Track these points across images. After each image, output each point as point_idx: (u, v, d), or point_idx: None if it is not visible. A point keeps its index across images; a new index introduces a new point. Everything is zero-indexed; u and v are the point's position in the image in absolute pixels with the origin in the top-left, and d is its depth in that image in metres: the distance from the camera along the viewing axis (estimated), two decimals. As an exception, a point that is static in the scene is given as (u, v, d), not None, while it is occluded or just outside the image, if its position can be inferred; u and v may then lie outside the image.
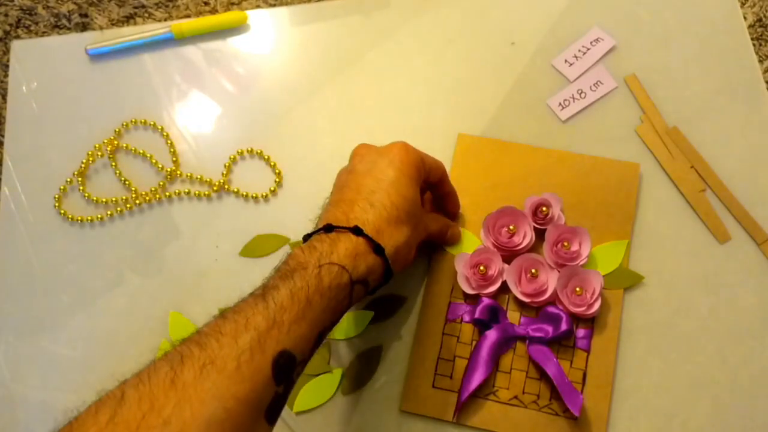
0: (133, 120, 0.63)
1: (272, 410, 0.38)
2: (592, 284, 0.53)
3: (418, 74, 0.63)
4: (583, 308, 0.53)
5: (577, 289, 0.53)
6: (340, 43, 0.65)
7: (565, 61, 0.62)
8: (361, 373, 0.54)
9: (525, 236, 0.55)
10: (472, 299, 0.55)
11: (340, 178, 0.50)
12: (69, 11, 1.29)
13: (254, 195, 0.60)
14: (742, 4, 1.23)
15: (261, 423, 0.37)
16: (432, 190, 0.55)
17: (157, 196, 0.61)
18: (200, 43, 0.65)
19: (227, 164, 0.61)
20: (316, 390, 0.54)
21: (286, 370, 0.38)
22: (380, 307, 0.56)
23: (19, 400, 0.56)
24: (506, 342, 0.53)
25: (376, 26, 0.65)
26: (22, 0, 1.30)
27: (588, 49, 0.62)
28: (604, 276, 0.54)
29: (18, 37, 1.28)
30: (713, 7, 0.62)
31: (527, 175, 0.58)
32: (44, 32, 1.28)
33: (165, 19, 1.28)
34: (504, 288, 0.54)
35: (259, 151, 0.61)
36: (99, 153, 0.62)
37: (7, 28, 1.29)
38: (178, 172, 0.61)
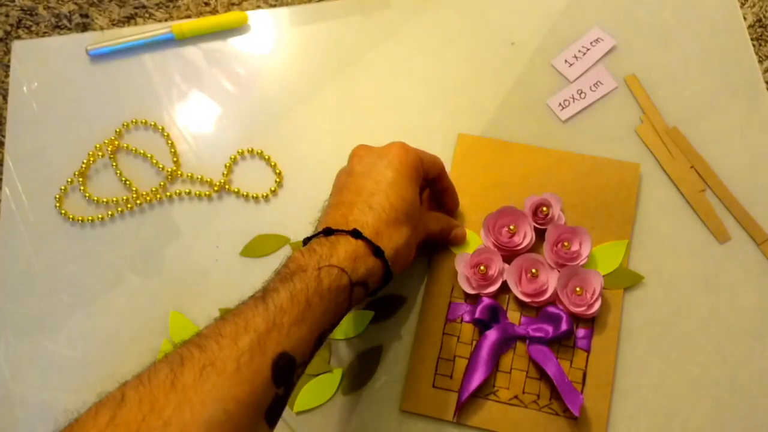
0: (134, 120, 0.63)
1: (272, 412, 0.38)
2: (593, 284, 0.53)
3: (418, 74, 0.63)
4: (583, 308, 0.53)
5: (578, 289, 0.53)
6: (340, 44, 0.65)
7: (565, 61, 0.62)
8: (361, 372, 0.54)
9: (525, 236, 0.55)
10: (473, 299, 0.55)
11: (339, 179, 0.50)
12: (70, 11, 1.29)
13: (255, 195, 0.60)
14: (742, 4, 1.23)
15: (261, 425, 0.37)
16: (431, 186, 0.55)
17: (158, 196, 0.61)
18: (201, 44, 0.65)
19: (228, 164, 0.61)
20: (317, 390, 0.54)
21: (286, 372, 0.38)
22: (380, 307, 0.56)
23: (19, 400, 0.56)
24: (506, 342, 0.53)
25: (377, 26, 0.65)
26: (22, 0, 1.30)
27: (588, 49, 0.62)
28: (604, 276, 0.54)
29: (19, 37, 1.28)
30: (713, 7, 0.62)
31: (527, 175, 0.58)
32: (45, 32, 1.29)
33: (165, 20, 1.28)
34: (504, 288, 0.54)
35: (259, 151, 0.61)
36: (100, 153, 0.62)
37: (8, 28, 1.29)
38: (179, 172, 0.61)
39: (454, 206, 0.57)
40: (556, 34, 0.63)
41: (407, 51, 0.64)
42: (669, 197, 0.57)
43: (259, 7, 1.27)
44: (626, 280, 0.55)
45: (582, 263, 0.54)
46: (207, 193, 0.61)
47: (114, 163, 0.62)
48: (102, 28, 1.27)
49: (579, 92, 0.61)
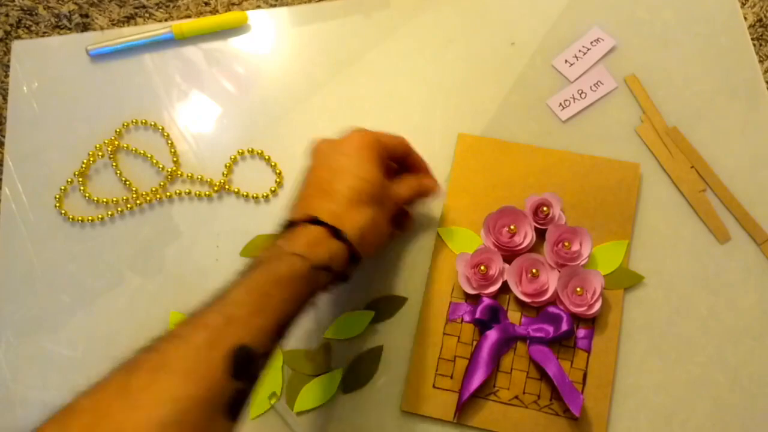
0: (134, 120, 0.63)
1: (234, 406, 0.38)
2: (593, 284, 0.53)
3: (418, 74, 0.63)
4: (584, 308, 0.53)
5: (578, 289, 0.53)
6: (340, 44, 0.65)
7: (565, 61, 0.62)
8: (361, 373, 0.54)
9: (526, 236, 0.55)
10: (473, 299, 0.55)
11: (303, 179, 0.50)
12: (70, 11, 1.29)
13: (255, 195, 0.60)
14: (742, 4, 1.23)
15: (220, 420, 0.37)
16: (401, 166, 0.55)
17: (158, 196, 0.61)
18: (201, 44, 0.65)
19: (228, 164, 0.61)
20: (317, 390, 0.54)
21: (245, 365, 0.38)
22: (381, 307, 0.56)
23: (19, 400, 0.56)
24: (507, 342, 0.53)
25: (376, 26, 0.65)
26: (22, 0, 1.30)
27: (588, 49, 0.62)
28: (604, 276, 0.54)
29: (19, 37, 1.28)
30: (713, 7, 0.62)
31: (527, 174, 0.58)
32: (45, 32, 1.29)
33: (165, 20, 1.28)
34: (505, 288, 0.54)
35: (259, 151, 0.61)
36: (99, 153, 0.62)
37: (8, 28, 1.29)
38: (179, 172, 0.61)
39: (426, 172, 0.56)
40: (556, 34, 0.63)
41: (407, 51, 0.64)
42: (669, 197, 0.57)
43: (259, 7, 1.27)
44: (626, 280, 0.55)
45: (582, 263, 0.54)
46: (207, 193, 0.61)
47: (114, 163, 0.62)
48: (102, 28, 1.27)
49: (579, 92, 0.61)
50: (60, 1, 1.30)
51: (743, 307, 0.54)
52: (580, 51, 0.62)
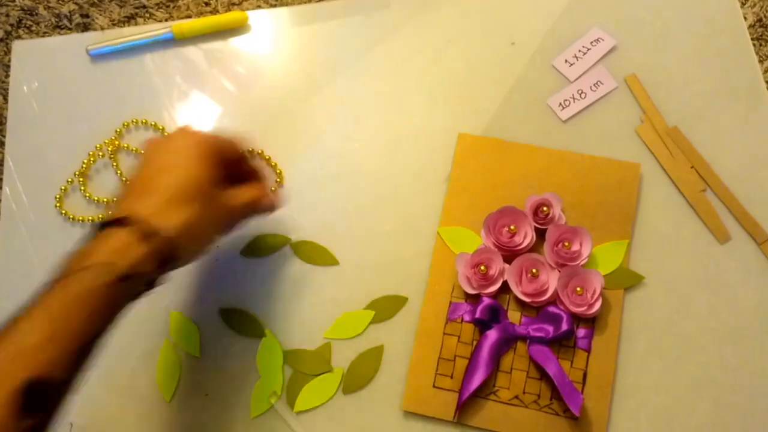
0: (134, 120, 0.63)
1: None
2: (593, 284, 0.53)
3: (418, 74, 0.63)
4: (584, 308, 0.53)
5: (578, 289, 0.53)
6: (340, 44, 0.65)
7: (566, 61, 0.62)
8: (362, 372, 0.54)
9: (526, 236, 0.55)
10: (473, 299, 0.55)
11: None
12: (70, 11, 1.29)
13: (255, 195, 0.60)
14: (742, 4, 1.23)
15: None
16: (236, 171, 0.51)
17: (158, 196, 0.61)
18: (201, 44, 0.65)
19: (228, 164, 0.61)
20: (317, 389, 0.54)
21: (39, 399, 0.35)
22: (381, 307, 0.56)
23: (20, 399, 0.56)
24: (507, 342, 0.53)
25: (377, 26, 0.65)
26: (23, 0, 1.30)
27: (588, 49, 0.62)
28: (604, 276, 0.54)
29: (19, 37, 1.29)
30: (713, 7, 0.62)
31: (527, 174, 0.58)
32: (45, 32, 1.29)
33: (166, 20, 1.28)
34: (505, 288, 0.55)
35: (259, 151, 0.61)
36: (100, 153, 0.62)
37: (9, 28, 1.29)
38: (179, 172, 0.61)
39: (263, 182, 0.54)
40: (556, 34, 0.63)
41: (407, 51, 0.64)
42: (669, 197, 0.58)
43: (259, 7, 1.27)
44: (626, 280, 0.55)
45: (582, 263, 0.54)
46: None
47: (114, 163, 0.62)
48: (102, 28, 1.27)
49: (579, 92, 0.61)
50: (60, 1, 1.30)
51: (743, 307, 0.54)
52: (580, 51, 0.62)
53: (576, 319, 0.54)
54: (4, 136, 1.17)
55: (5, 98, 1.25)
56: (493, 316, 0.54)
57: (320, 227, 0.59)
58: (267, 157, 0.61)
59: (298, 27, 0.66)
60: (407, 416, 0.53)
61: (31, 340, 0.36)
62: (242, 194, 0.50)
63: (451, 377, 0.53)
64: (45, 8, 1.30)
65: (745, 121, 0.59)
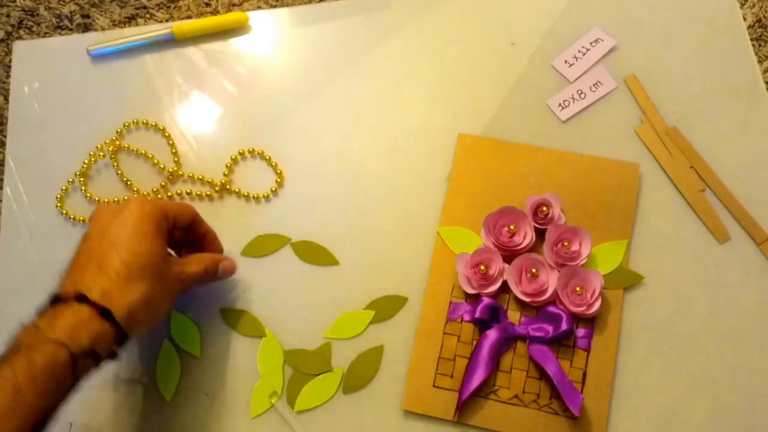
0: (135, 120, 0.63)
1: None
2: (593, 284, 0.53)
3: (418, 74, 0.63)
4: (584, 308, 0.53)
5: (578, 288, 0.53)
6: (340, 44, 0.65)
7: (565, 61, 0.62)
8: (362, 372, 0.55)
9: (525, 236, 0.55)
10: (473, 299, 0.55)
11: (78, 246, 0.48)
12: (71, 12, 1.29)
13: (255, 195, 0.61)
14: (742, 5, 1.23)
15: None
16: (189, 235, 0.53)
17: (159, 196, 0.61)
18: (201, 44, 0.66)
19: (228, 164, 0.61)
20: (318, 389, 0.54)
21: None
22: (381, 306, 0.56)
23: (21, 399, 0.56)
24: (507, 341, 0.53)
25: (377, 27, 0.65)
26: (24, 1, 1.30)
27: (588, 49, 0.62)
28: (604, 276, 0.54)
29: (20, 37, 1.29)
30: (713, 7, 0.62)
31: (527, 175, 0.58)
32: (46, 33, 1.29)
33: (166, 20, 1.28)
34: (504, 287, 0.55)
35: (260, 152, 0.62)
36: (101, 153, 0.62)
37: (9, 29, 1.29)
38: (180, 173, 0.62)
39: (217, 249, 0.55)
40: (556, 34, 0.63)
41: (407, 51, 0.64)
42: (669, 197, 0.58)
43: (259, 7, 1.27)
44: (626, 279, 0.55)
45: (582, 263, 0.54)
46: (208, 193, 0.61)
47: (115, 164, 0.62)
48: (103, 29, 1.27)
49: (579, 92, 0.61)
50: (61, 2, 1.30)
51: (743, 307, 0.54)
52: (579, 51, 0.62)
53: (575, 318, 0.54)
54: (5, 137, 1.17)
55: (6, 98, 1.25)
56: (493, 315, 0.54)
57: (320, 227, 0.59)
58: (267, 157, 0.61)
59: (299, 27, 0.66)
60: (407, 416, 0.53)
61: None
62: (194, 264, 0.51)
63: (451, 377, 0.53)
64: (46, 9, 1.30)
65: (745, 121, 0.59)
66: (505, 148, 0.59)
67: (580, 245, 0.54)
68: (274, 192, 0.60)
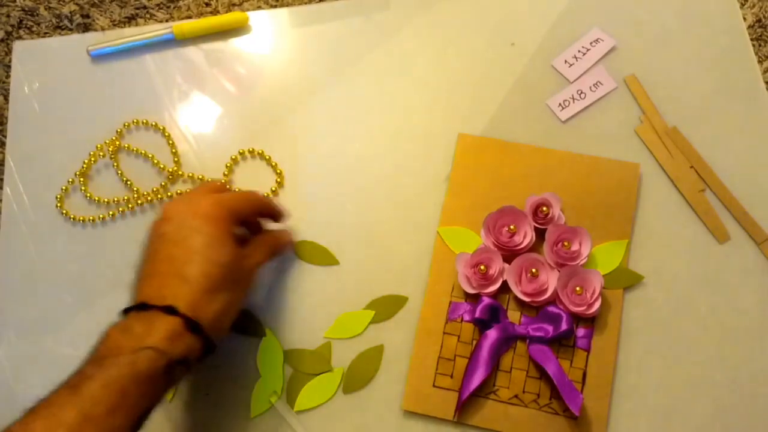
0: (135, 120, 0.63)
1: None
2: (592, 284, 0.53)
3: (418, 74, 0.63)
4: (583, 308, 0.53)
5: (578, 288, 0.53)
6: (340, 44, 0.65)
7: (565, 61, 0.62)
8: (362, 372, 0.55)
9: (525, 236, 0.55)
10: (473, 298, 0.55)
11: (152, 244, 0.48)
12: (71, 12, 1.29)
13: (255, 195, 0.60)
14: (742, 5, 1.23)
15: None
16: (259, 217, 0.54)
17: (159, 196, 0.61)
18: (201, 44, 0.66)
19: (228, 164, 0.61)
20: (317, 389, 0.54)
21: None
22: (381, 306, 0.56)
23: (21, 400, 0.56)
24: (506, 341, 0.53)
25: (377, 27, 0.65)
26: (24, 1, 1.30)
27: (588, 49, 0.62)
28: (604, 276, 0.54)
29: (20, 37, 1.29)
30: (713, 8, 0.63)
31: (527, 174, 0.58)
32: (46, 33, 1.29)
33: (166, 20, 1.28)
34: (504, 287, 0.55)
35: (260, 152, 0.62)
36: (101, 153, 0.62)
37: (9, 29, 1.29)
38: (180, 173, 0.62)
39: (279, 218, 0.56)
40: (556, 35, 0.63)
41: (407, 51, 0.64)
42: (668, 197, 0.58)
43: (259, 7, 1.27)
44: (626, 279, 0.55)
45: (582, 263, 0.54)
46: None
47: (115, 163, 0.62)
48: (103, 29, 1.27)
49: (579, 92, 0.61)
50: (61, 2, 1.30)
51: (743, 307, 0.55)
52: (579, 51, 0.62)
53: (575, 318, 0.54)
54: (5, 137, 1.17)
55: (6, 98, 1.25)
56: (493, 315, 0.54)
57: (320, 227, 0.59)
58: (267, 157, 0.61)
59: (299, 28, 0.66)
60: (407, 416, 0.53)
61: (98, 410, 0.38)
62: (259, 253, 0.52)
63: (451, 377, 0.53)
64: (46, 9, 1.30)
65: (745, 121, 0.59)
66: (505, 148, 0.59)
67: (580, 245, 0.54)
68: (274, 192, 0.60)
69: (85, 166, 0.62)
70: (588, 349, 0.53)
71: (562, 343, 0.54)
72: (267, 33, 0.66)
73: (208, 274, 0.45)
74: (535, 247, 0.56)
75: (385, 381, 0.54)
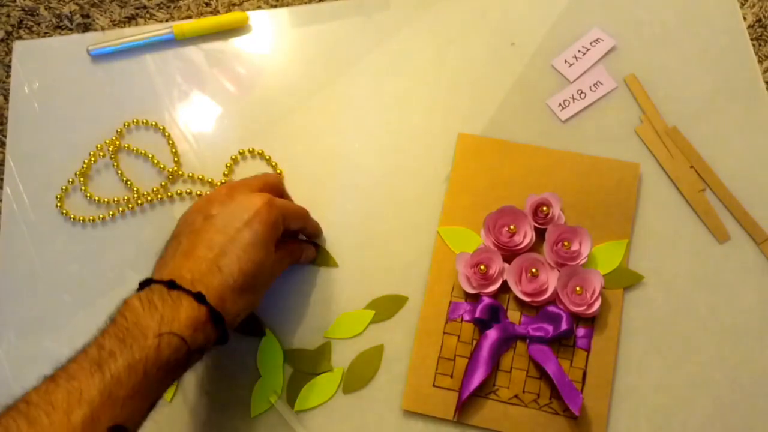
0: (135, 120, 0.63)
1: None
2: (593, 284, 0.53)
3: (418, 74, 0.63)
4: (583, 307, 0.53)
5: (578, 288, 0.53)
6: (340, 44, 0.65)
7: (565, 61, 0.62)
8: (362, 372, 0.55)
9: (525, 236, 0.55)
10: (473, 298, 0.55)
11: (195, 220, 0.48)
12: (71, 12, 1.29)
13: (255, 195, 0.60)
14: (742, 5, 1.23)
15: None
16: (295, 231, 0.55)
17: (159, 196, 0.61)
18: (201, 44, 0.66)
19: (228, 164, 0.61)
20: (317, 389, 0.54)
21: None
22: (381, 306, 0.56)
23: (21, 399, 0.56)
24: (506, 341, 0.53)
25: (377, 27, 0.65)
26: (24, 1, 1.30)
27: (588, 49, 0.62)
28: (604, 275, 0.54)
29: (20, 37, 1.29)
30: (713, 7, 0.63)
31: (527, 174, 0.58)
32: (46, 33, 1.29)
33: (166, 20, 1.28)
34: (504, 287, 0.55)
35: (260, 152, 0.62)
36: (101, 153, 0.62)
37: (9, 28, 1.29)
38: (180, 172, 0.62)
39: (314, 234, 0.57)
40: (556, 35, 0.63)
41: (407, 51, 0.64)
42: (668, 197, 0.58)
43: (259, 7, 1.27)
44: (626, 279, 0.55)
45: (582, 263, 0.54)
46: (208, 193, 0.61)
47: (115, 163, 0.62)
48: (103, 29, 1.27)
49: (579, 92, 0.61)
50: (61, 2, 1.30)
51: (743, 307, 0.55)
52: (579, 51, 0.62)
53: (575, 318, 0.54)
54: (5, 136, 1.17)
55: (6, 98, 1.25)
56: (493, 315, 0.54)
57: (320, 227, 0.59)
58: (267, 157, 0.61)
59: (299, 27, 0.66)
60: (407, 415, 0.53)
61: (121, 392, 0.38)
62: (286, 260, 0.53)
63: (451, 376, 0.53)
64: (46, 9, 1.30)
65: (745, 121, 0.59)
66: (505, 148, 0.59)
67: (580, 245, 0.54)
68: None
69: (85, 166, 0.62)
70: (588, 349, 0.53)
71: (562, 343, 0.54)
72: (267, 33, 0.66)
73: (245, 273, 0.45)
74: (535, 247, 0.56)
75: (385, 381, 0.54)
